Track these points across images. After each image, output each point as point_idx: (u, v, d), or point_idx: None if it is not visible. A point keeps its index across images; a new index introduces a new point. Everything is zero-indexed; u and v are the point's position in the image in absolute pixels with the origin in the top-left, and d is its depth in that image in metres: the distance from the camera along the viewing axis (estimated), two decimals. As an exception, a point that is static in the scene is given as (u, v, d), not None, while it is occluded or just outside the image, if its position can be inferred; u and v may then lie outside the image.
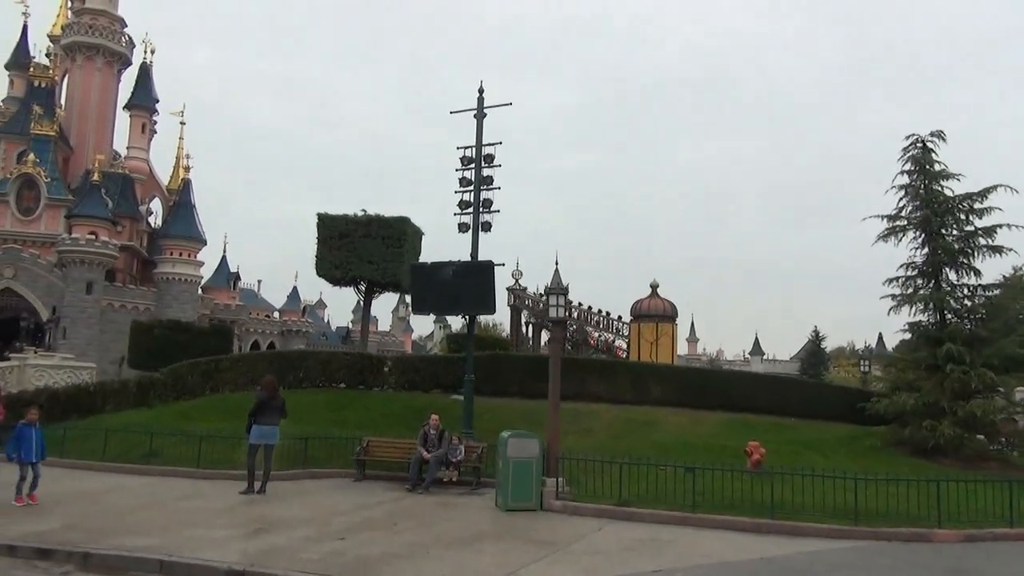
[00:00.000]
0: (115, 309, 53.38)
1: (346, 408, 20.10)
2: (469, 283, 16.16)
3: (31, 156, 53.37)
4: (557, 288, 13.20)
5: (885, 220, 20.08)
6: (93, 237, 51.61)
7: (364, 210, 28.25)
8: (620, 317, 46.34)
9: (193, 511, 11.82)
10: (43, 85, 59.16)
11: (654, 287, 43.86)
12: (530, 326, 47.79)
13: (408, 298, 63.12)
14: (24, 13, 63.69)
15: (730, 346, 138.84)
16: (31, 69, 60.01)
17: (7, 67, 63.77)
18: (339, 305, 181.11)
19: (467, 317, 17.37)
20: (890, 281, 20.11)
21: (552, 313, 13.18)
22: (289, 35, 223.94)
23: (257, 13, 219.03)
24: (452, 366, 22.45)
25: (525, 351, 40.49)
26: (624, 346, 45.93)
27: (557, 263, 16.39)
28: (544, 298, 48.33)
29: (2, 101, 63.06)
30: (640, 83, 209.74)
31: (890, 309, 19.80)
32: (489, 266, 16.16)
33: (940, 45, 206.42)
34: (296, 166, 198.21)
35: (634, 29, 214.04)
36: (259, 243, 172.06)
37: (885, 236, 19.98)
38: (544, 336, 49.41)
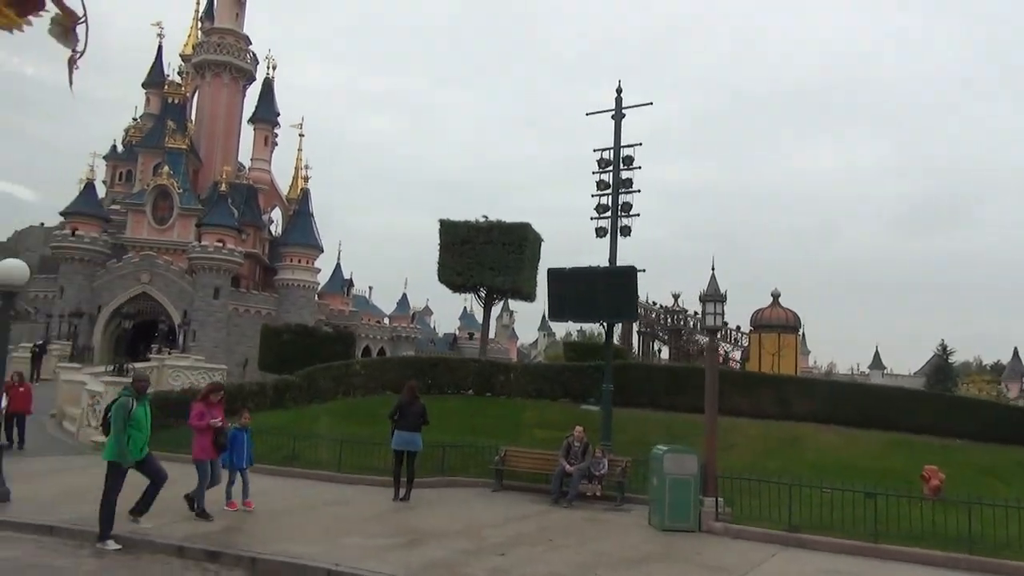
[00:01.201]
0: (239, 314, 55.74)
1: (476, 415, 19.81)
2: (610, 289, 15.52)
3: (166, 168, 56.54)
4: (714, 295, 12.38)
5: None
6: (221, 245, 54.11)
7: (485, 216, 28.12)
8: (739, 327, 44.63)
9: (343, 517, 11.68)
10: (176, 102, 62.66)
11: (775, 296, 41.99)
12: (641, 336, 46.74)
13: (512, 304, 63.17)
14: (159, 35, 67.93)
15: (843, 360, 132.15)
16: (165, 87, 63.74)
17: (144, 86, 68.05)
18: (445, 312, 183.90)
19: (605, 324, 16.71)
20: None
21: (709, 321, 12.37)
22: (398, 52, 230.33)
23: (368, 31, 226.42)
24: (580, 375, 21.85)
25: (633, 361, 39.46)
26: (738, 357, 44.18)
27: (713, 268, 15.50)
28: (656, 306, 47.53)
29: (140, 117, 67.34)
30: (748, 90, 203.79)
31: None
32: (632, 272, 15.47)
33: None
34: (403, 177, 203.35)
35: (741, 35, 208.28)
36: (370, 251, 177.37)
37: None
38: (657, 347, 48.35)
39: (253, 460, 12.19)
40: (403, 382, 22.48)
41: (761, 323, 40.00)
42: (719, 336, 43.16)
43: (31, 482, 13.12)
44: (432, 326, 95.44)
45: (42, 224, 64.81)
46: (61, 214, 55.98)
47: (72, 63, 1.12)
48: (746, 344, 41.66)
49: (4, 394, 13.93)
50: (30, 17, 1.12)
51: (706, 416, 12.51)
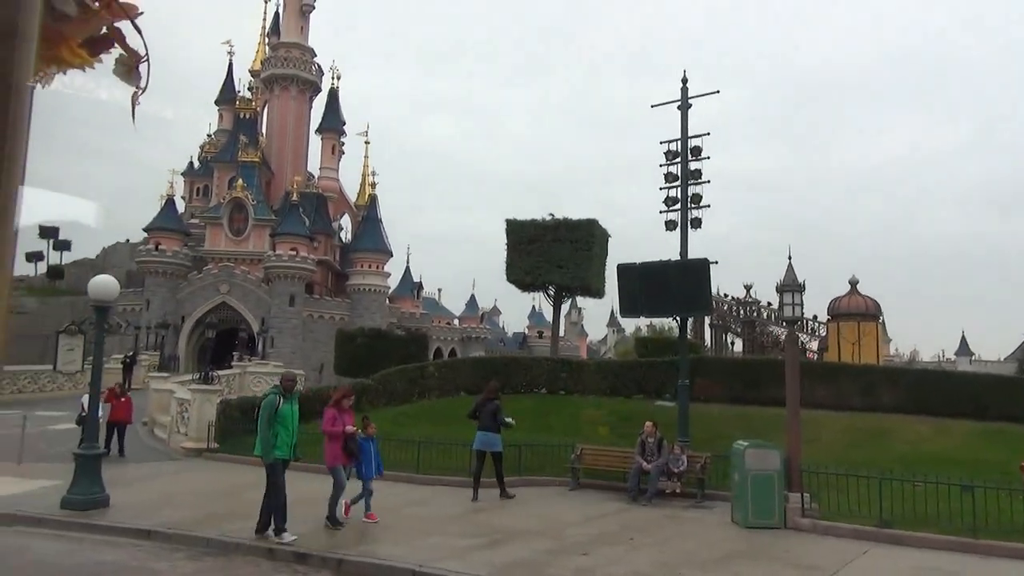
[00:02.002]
0: (314, 319, 57.17)
1: (551, 414, 19.81)
2: (682, 283, 15.27)
3: (239, 182, 58.44)
4: (792, 284, 12.04)
5: None
6: (294, 253, 55.62)
7: (551, 214, 28.12)
8: (815, 317, 43.40)
9: (424, 518, 11.83)
10: (247, 116, 64.68)
11: (853, 284, 40.70)
12: (713, 329, 45.89)
13: (580, 301, 62.96)
14: (229, 53, 70.22)
15: (926, 347, 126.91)
16: (236, 103, 65.88)
17: (216, 103, 70.51)
18: (513, 311, 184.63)
19: (678, 319, 16.46)
20: None
21: (788, 312, 12.05)
22: (459, 54, 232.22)
23: (429, 36, 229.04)
24: (654, 370, 21.62)
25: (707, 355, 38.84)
26: (815, 348, 42.93)
27: (790, 257, 15.06)
28: (727, 298, 46.57)
29: (214, 134, 69.77)
30: (818, 72, 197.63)
31: None
32: (704, 264, 15.19)
33: None
34: (469, 178, 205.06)
35: (806, 14, 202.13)
36: (438, 253, 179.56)
37: None
38: (729, 339, 47.39)
39: (382, 469, 11.95)
40: (476, 383, 22.76)
41: (839, 312, 38.84)
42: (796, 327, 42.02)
43: (129, 488, 13.73)
44: (501, 326, 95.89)
45: (127, 240, 67.80)
46: (144, 230, 58.49)
47: (135, 99, 1.18)
48: (824, 334, 40.47)
49: (104, 404, 14.67)
50: (101, 55, 1.17)
51: (788, 409, 12.18)
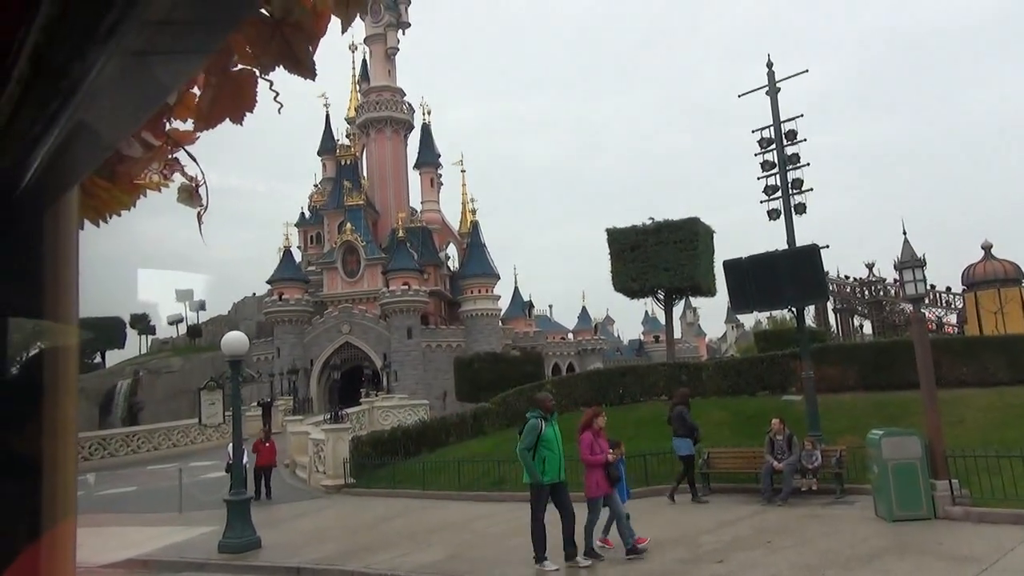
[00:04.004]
0: (432, 349, 58.62)
1: (673, 420, 19.48)
2: (793, 272, 14.76)
3: (348, 226, 61.00)
4: (911, 260, 11.42)
5: None
6: (407, 287, 57.39)
7: (652, 218, 27.81)
8: (949, 288, 40.73)
9: (558, 536, 11.90)
10: (348, 162, 67.49)
11: (987, 248, 37.87)
12: (838, 313, 43.84)
13: (694, 301, 61.65)
14: (325, 105, 73.58)
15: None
16: (337, 151, 68.91)
17: (319, 154, 73.98)
18: (627, 318, 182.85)
19: (794, 309, 15.90)
20: None
21: (910, 290, 11.43)
22: (546, 75, 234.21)
23: (516, 57, 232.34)
24: (776, 365, 20.90)
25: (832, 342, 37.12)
26: (953, 321, 40.24)
27: (904, 232, 14.15)
28: (849, 279, 44.40)
29: (320, 183, 73.23)
30: (916, 34, 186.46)
31: None
32: (814, 250, 14.63)
33: None
34: (567, 192, 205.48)
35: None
36: (545, 270, 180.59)
37: None
38: (857, 323, 45.13)
39: (629, 493, 11.36)
40: (593, 396, 22.71)
41: (975, 280, 36.21)
42: (927, 302, 39.64)
43: (277, 528, 14.56)
44: (616, 334, 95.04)
45: (254, 294, 72.07)
46: (268, 282, 62.01)
47: (200, 219, 1.36)
48: (961, 306, 37.88)
49: (250, 451, 15.65)
50: (170, 178, 1.36)
51: (923, 392, 11.52)
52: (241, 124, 1.02)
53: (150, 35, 0.57)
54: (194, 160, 1.27)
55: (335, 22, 0.98)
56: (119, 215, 1.35)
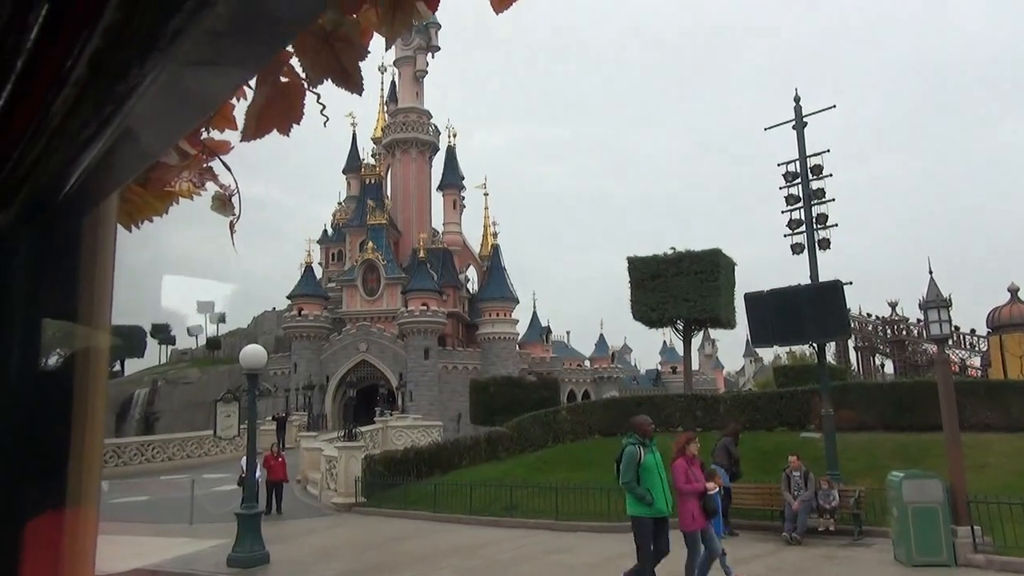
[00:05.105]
0: (448, 371, 58.58)
1: (688, 452, 19.27)
2: (815, 308, 14.62)
3: (370, 244, 61.43)
4: (937, 300, 11.27)
5: None
6: (425, 308, 57.52)
7: (673, 248, 27.74)
8: (973, 331, 40.21)
9: (567, 565, 11.78)
10: (372, 182, 68.15)
11: (1013, 291, 37.32)
12: (859, 351, 43.36)
13: (713, 333, 61.28)
14: (352, 124, 74.51)
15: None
16: (362, 170, 69.65)
17: (344, 172, 74.81)
18: (645, 347, 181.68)
19: (815, 345, 15.73)
20: None
21: (935, 330, 11.26)
22: (572, 104, 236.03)
23: (541, 86, 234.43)
24: (795, 401, 20.65)
25: (853, 380, 36.61)
26: (977, 364, 39.66)
27: (931, 271, 13.92)
28: (871, 317, 43.91)
29: (343, 201, 73.93)
30: (950, 72, 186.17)
31: None
32: (837, 286, 14.50)
33: None
34: (589, 220, 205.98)
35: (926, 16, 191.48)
36: (563, 295, 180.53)
37: None
38: (878, 361, 44.56)
39: (729, 529, 10.52)
40: (609, 425, 22.55)
41: (1000, 323, 35.70)
42: (950, 343, 39.09)
43: (286, 544, 14.50)
44: (633, 364, 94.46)
45: (274, 308, 72.53)
46: (288, 297, 62.45)
47: (232, 228, 1.37)
48: (985, 348, 37.30)
49: (262, 465, 15.68)
50: (204, 186, 1.37)
51: (945, 435, 11.31)
52: (288, 135, 1.03)
53: (208, 45, 0.58)
54: (228, 169, 1.28)
55: (376, 39, 0.99)
56: (151, 221, 1.37)
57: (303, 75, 0.95)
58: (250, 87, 1.00)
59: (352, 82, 0.93)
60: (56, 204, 0.85)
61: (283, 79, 0.97)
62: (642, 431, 8.77)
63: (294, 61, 0.94)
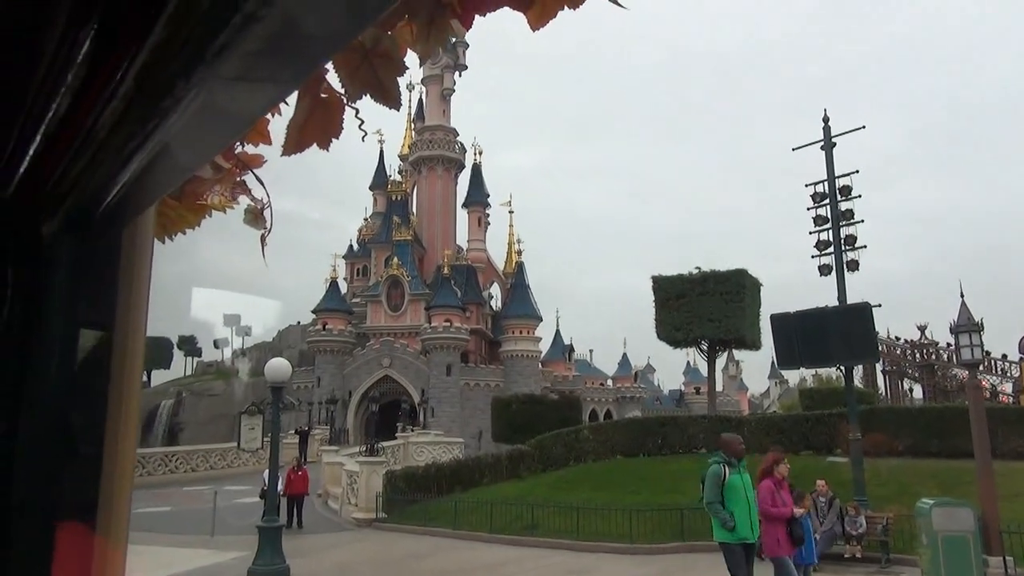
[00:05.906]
0: (470, 388, 58.53)
1: (712, 475, 19.05)
2: (843, 330, 14.44)
3: (395, 260, 61.80)
4: (968, 324, 11.08)
5: None
6: (448, 324, 57.64)
7: (698, 268, 27.62)
8: (1005, 356, 39.41)
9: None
10: (398, 198, 68.66)
11: (1048, 316, 36.52)
12: (887, 375, 42.69)
13: (737, 354, 60.62)
14: (380, 141, 75.26)
15: None
16: (388, 187, 70.22)
17: (370, 188, 75.45)
18: (668, 367, 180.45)
19: (842, 368, 15.52)
20: None
21: (966, 355, 11.06)
22: (600, 124, 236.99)
23: (573, 107, 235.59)
24: (821, 424, 20.36)
25: (881, 404, 36.00)
26: (1009, 390, 38.85)
27: (962, 295, 13.70)
28: (900, 341, 43.23)
29: (369, 217, 74.52)
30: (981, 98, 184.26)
31: None
32: (866, 308, 14.32)
33: None
34: (613, 238, 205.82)
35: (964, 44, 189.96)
36: (587, 314, 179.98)
37: None
38: (907, 386, 43.82)
39: (818, 556, 10.11)
40: (631, 445, 22.38)
41: (1033, 348, 34.96)
42: (981, 368, 38.60)
43: (306, 558, 14.51)
44: (656, 383, 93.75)
45: (299, 322, 73.13)
46: (312, 312, 62.92)
47: (264, 241, 1.39)
48: (1017, 374, 36.54)
49: (283, 478, 15.75)
50: (236, 199, 1.38)
51: (977, 461, 11.08)
52: (327, 150, 1.04)
53: (250, 61, 0.59)
54: (261, 183, 1.30)
55: (410, 55, 1.01)
56: (184, 233, 1.39)
57: (342, 90, 0.96)
58: (286, 102, 1.01)
59: (390, 97, 0.95)
60: (97, 216, 0.87)
61: (323, 94, 0.99)
62: (730, 450, 8.23)
63: (332, 76, 0.96)
